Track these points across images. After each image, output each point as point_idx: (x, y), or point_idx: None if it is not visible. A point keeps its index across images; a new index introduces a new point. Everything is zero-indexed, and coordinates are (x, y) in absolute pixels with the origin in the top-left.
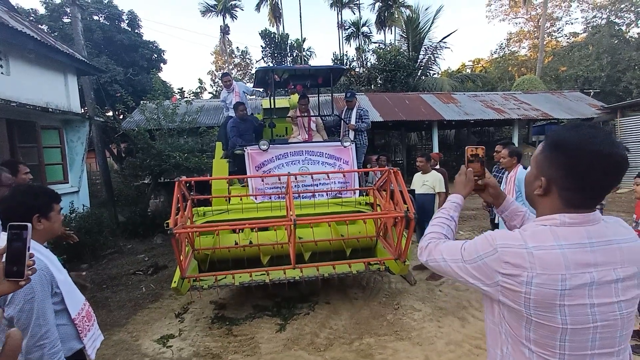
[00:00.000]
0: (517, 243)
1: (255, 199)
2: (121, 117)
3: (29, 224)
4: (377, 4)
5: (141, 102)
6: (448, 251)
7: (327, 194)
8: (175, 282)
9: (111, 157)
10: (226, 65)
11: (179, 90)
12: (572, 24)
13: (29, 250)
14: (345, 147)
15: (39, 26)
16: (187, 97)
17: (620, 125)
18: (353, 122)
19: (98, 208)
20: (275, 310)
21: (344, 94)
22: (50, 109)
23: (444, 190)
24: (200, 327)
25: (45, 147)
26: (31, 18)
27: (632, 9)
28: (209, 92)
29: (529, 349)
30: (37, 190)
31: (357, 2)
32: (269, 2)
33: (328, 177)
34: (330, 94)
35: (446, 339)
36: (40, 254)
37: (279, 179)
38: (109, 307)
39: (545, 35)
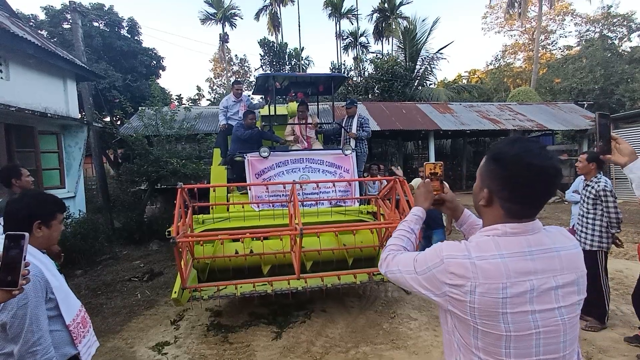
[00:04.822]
0: (462, 254)
1: (258, 206)
2: (118, 122)
3: (27, 234)
4: (375, 15)
5: (139, 108)
6: (403, 263)
7: (330, 203)
8: (175, 292)
9: (107, 162)
10: (225, 72)
11: (177, 97)
12: (566, 37)
13: (24, 260)
14: (346, 155)
15: (39, 32)
16: (185, 104)
17: None
18: (354, 130)
19: (94, 213)
20: (272, 318)
21: (344, 102)
22: (48, 114)
23: None
24: (195, 334)
25: (42, 152)
26: (31, 23)
27: (625, 23)
28: (207, 99)
29: (478, 357)
30: (44, 197)
31: (355, 12)
32: (268, 11)
33: (333, 185)
34: (328, 102)
35: (442, 348)
36: (36, 259)
37: (284, 187)
38: (104, 314)
39: (540, 48)
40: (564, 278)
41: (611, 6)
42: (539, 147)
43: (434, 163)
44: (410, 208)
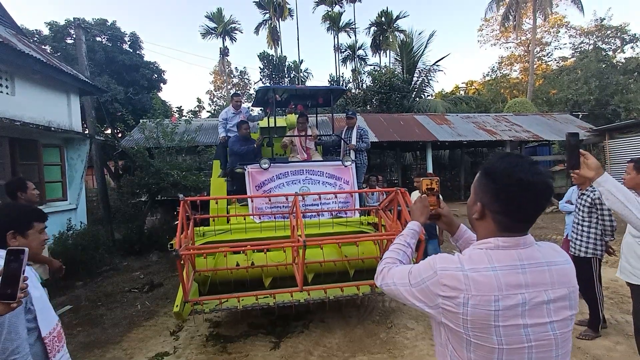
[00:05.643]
0: (455, 266)
1: (259, 218)
2: (120, 135)
3: (26, 249)
4: (373, 29)
5: (141, 120)
6: (398, 275)
7: (330, 214)
8: (177, 305)
9: (108, 174)
10: (225, 85)
11: (177, 109)
12: (561, 48)
13: (23, 274)
14: (346, 166)
15: (43, 47)
16: (185, 116)
17: (609, 147)
18: (354, 141)
19: (95, 225)
20: (270, 328)
21: (343, 114)
22: (52, 128)
23: None
24: (195, 344)
25: (45, 165)
26: (35, 39)
27: (618, 35)
28: (207, 111)
29: None
30: (17, 208)
31: (353, 26)
32: (267, 25)
33: (336, 196)
34: (327, 114)
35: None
36: None
37: (286, 199)
38: (104, 325)
39: (536, 59)
40: (555, 292)
41: (604, 18)
42: (529, 162)
43: (430, 179)
44: None
